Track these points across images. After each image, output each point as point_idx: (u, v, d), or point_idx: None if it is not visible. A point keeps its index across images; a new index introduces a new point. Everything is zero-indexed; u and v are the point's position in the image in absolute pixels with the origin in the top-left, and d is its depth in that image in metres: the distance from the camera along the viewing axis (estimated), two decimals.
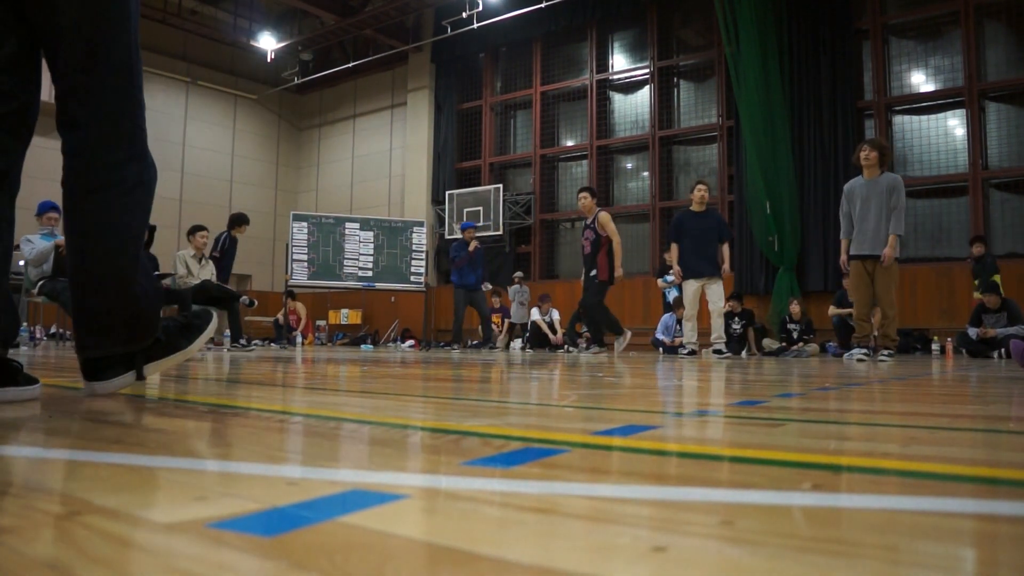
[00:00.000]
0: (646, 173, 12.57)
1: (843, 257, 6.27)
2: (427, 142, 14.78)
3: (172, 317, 1.87)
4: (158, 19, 14.09)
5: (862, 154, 6.08)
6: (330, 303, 15.26)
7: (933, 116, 10.30)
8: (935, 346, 9.11)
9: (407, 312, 14.18)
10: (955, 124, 10.14)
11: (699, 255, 7.13)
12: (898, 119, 10.53)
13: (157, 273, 7.39)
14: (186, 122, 15.56)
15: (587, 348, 7.87)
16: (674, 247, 7.33)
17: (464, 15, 12.85)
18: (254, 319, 13.13)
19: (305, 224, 12.25)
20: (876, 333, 6.32)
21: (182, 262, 7.84)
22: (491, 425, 1.27)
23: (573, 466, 0.86)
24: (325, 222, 12.38)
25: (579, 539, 0.54)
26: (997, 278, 8.10)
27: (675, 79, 12.55)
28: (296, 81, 15.95)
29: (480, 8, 12.70)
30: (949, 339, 8.67)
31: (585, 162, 13.15)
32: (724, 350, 7.27)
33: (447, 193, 14.09)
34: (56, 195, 1.80)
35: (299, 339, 12.43)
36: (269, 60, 15.43)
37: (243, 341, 7.82)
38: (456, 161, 14.60)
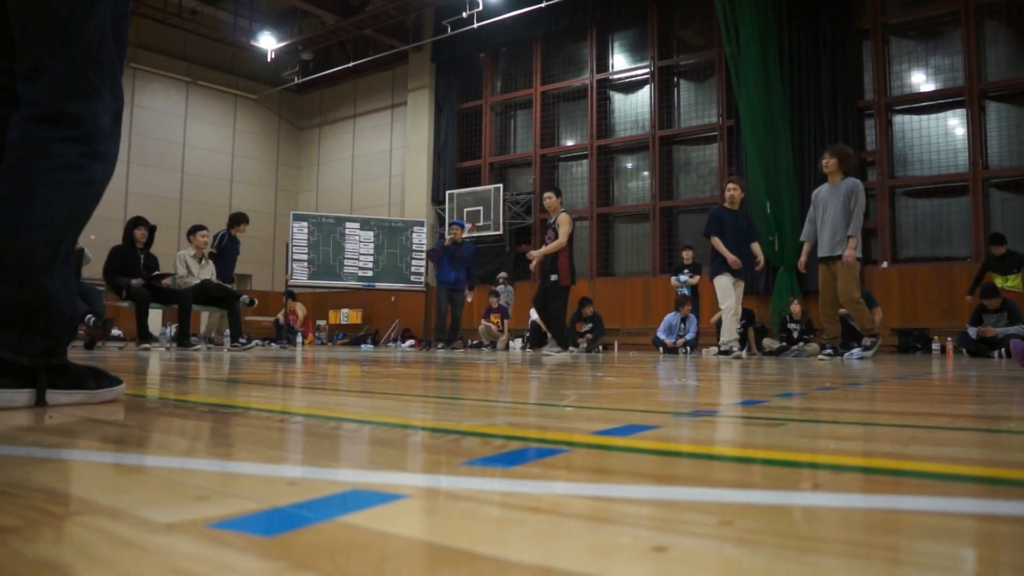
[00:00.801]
0: (646, 173, 12.56)
1: (801, 259, 6.62)
2: (427, 142, 14.78)
3: (80, 364, 1.59)
4: (158, 19, 14.08)
5: (823, 161, 6.42)
6: (330, 303, 15.26)
7: (933, 116, 10.30)
8: (935, 346, 9.11)
9: (407, 312, 14.18)
10: (955, 124, 10.14)
11: (736, 252, 7.04)
12: (898, 119, 10.53)
13: (157, 273, 7.38)
14: (186, 122, 15.56)
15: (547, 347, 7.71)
16: (716, 240, 7.13)
17: (464, 15, 12.85)
18: (254, 319, 13.13)
19: (305, 224, 12.26)
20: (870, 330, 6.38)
21: (182, 262, 7.84)
22: (491, 425, 1.27)
23: (573, 466, 0.86)
24: (325, 222, 12.38)
25: (579, 539, 0.54)
26: (1015, 278, 8.12)
27: (675, 79, 12.55)
28: (296, 81, 15.95)
29: (480, 8, 12.70)
30: (949, 339, 8.68)
31: (585, 162, 13.15)
32: (733, 350, 7.19)
33: (447, 193, 14.09)
34: None
35: (299, 339, 12.43)
36: (269, 60, 15.43)
37: (243, 341, 7.82)
38: (456, 161, 14.60)
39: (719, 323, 9.38)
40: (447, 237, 9.70)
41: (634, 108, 12.84)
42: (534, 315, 11.03)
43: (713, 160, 11.94)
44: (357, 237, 12.43)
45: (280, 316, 12.07)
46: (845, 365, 4.99)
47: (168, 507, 0.62)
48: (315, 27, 15.18)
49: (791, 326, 9.29)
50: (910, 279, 9.94)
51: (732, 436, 1.22)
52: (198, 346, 7.51)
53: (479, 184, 14.07)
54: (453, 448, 0.98)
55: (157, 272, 7.41)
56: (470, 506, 0.64)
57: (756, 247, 7.13)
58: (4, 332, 1.38)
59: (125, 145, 14.39)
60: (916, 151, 10.35)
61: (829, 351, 6.42)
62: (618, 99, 13.12)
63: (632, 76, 12.84)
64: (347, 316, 14.89)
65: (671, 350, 9.57)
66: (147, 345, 6.96)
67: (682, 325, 9.75)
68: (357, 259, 12.40)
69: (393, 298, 14.24)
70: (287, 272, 12.15)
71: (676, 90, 12.53)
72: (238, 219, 8.88)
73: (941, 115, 10.26)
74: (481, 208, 13.47)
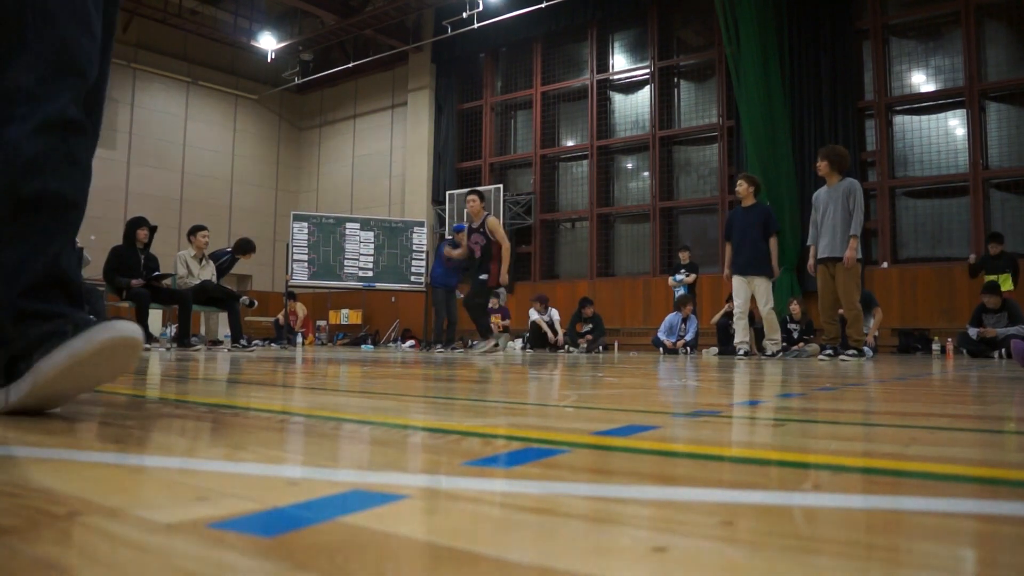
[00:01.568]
0: (646, 173, 12.56)
1: (810, 262, 6.58)
2: (427, 142, 14.78)
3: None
4: (158, 19, 14.09)
5: (816, 165, 6.46)
6: (330, 303, 15.26)
7: (933, 116, 10.30)
8: (935, 346, 9.11)
9: (407, 312, 14.18)
10: (955, 124, 10.14)
11: (737, 252, 7.06)
12: (899, 119, 10.53)
13: (157, 274, 7.38)
14: (186, 122, 15.56)
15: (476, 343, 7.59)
16: (726, 246, 7.21)
17: (464, 15, 12.85)
18: (254, 319, 13.13)
19: (305, 224, 12.26)
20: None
21: (182, 262, 7.84)
22: (491, 425, 1.27)
23: (573, 466, 0.86)
24: (325, 222, 12.38)
25: (579, 539, 0.54)
26: (1006, 277, 8.12)
27: (675, 79, 12.55)
28: (296, 81, 15.95)
29: (480, 8, 12.70)
30: (949, 339, 8.68)
31: (585, 162, 13.15)
32: (740, 350, 7.16)
33: (447, 193, 14.08)
34: None
35: (299, 339, 12.43)
36: (269, 60, 15.44)
37: (243, 341, 7.82)
38: (456, 161, 14.60)
39: (718, 324, 9.39)
40: (459, 249, 9.54)
41: (634, 108, 12.84)
42: (533, 315, 11.04)
43: (713, 160, 11.94)
44: (357, 237, 12.43)
45: (280, 316, 12.07)
46: (844, 365, 4.99)
47: (168, 507, 0.62)
48: (315, 27, 15.18)
49: (791, 326, 9.29)
50: (910, 279, 9.94)
51: (732, 436, 1.22)
52: (198, 346, 7.51)
53: (479, 184, 14.07)
54: (453, 448, 0.98)
55: (157, 272, 7.41)
56: (470, 506, 0.64)
57: (772, 243, 7.00)
58: None
59: (125, 145, 14.41)
60: (916, 151, 10.35)
61: (829, 351, 6.42)
62: (618, 99, 13.13)
63: (632, 76, 12.84)
64: (347, 316, 14.89)
65: (671, 351, 9.58)
66: (147, 345, 6.96)
67: (683, 325, 9.75)
68: (357, 259, 12.40)
69: (393, 298, 14.24)
70: (287, 272, 12.15)
71: (676, 90, 12.54)
72: (246, 248, 8.59)
73: (941, 115, 10.26)
74: None
